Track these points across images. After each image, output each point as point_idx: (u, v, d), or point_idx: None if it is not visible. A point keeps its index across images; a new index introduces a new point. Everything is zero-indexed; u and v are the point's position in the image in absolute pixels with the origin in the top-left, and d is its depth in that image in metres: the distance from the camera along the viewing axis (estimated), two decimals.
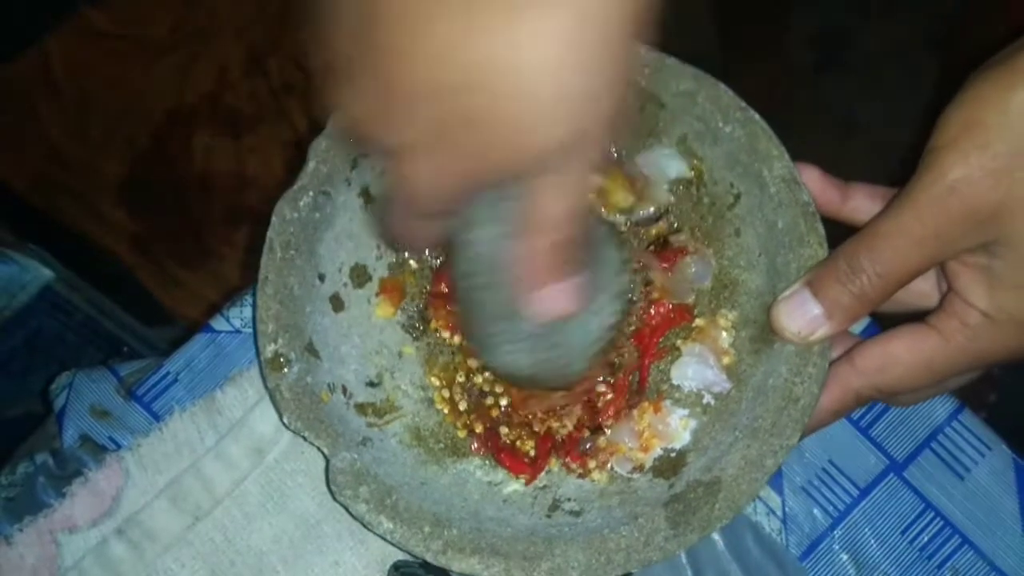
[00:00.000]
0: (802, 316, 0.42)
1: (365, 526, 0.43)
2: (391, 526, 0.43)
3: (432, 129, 0.30)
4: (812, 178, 0.46)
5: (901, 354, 0.41)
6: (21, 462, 0.54)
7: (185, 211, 1.29)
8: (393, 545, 0.43)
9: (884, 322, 0.43)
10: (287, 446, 0.52)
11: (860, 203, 0.45)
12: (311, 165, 0.47)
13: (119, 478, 0.51)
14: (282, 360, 0.45)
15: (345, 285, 0.49)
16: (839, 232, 0.44)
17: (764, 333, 0.46)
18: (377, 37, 0.30)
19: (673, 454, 0.47)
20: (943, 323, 0.40)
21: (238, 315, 0.56)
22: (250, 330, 0.56)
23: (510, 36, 0.28)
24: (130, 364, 0.57)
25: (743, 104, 0.47)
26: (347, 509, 0.43)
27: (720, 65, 0.47)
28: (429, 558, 0.42)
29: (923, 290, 0.45)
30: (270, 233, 0.46)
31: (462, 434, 0.49)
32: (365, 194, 0.49)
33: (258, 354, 0.45)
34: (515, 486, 0.48)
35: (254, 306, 0.46)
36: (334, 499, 0.44)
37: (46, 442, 0.55)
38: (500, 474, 0.49)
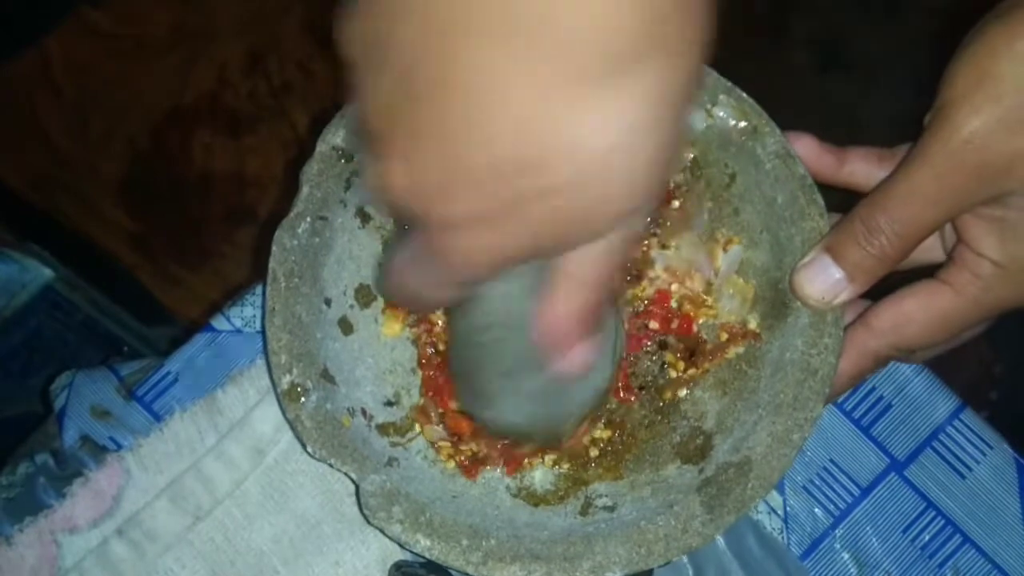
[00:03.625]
0: (824, 281, 0.42)
1: (402, 546, 0.43)
2: (428, 543, 0.43)
3: (498, 204, 0.29)
4: (807, 145, 0.46)
5: (915, 312, 0.41)
6: (21, 462, 0.54)
7: (185, 210, 1.28)
8: (432, 560, 0.43)
9: (889, 280, 0.43)
10: (288, 446, 0.52)
11: (857, 167, 0.45)
12: (305, 191, 0.46)
13: (120, 478, 0.51)
14: (299, 390, 0.44)
15: (351, 307, 0.49)
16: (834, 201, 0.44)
17: (775, 309, 0.46)
18: (436, 110, 0.28)
19: (700, 438, 0.47)
20: (954, 277, 0.40)
21: (239, 314, 0.56)
22: (251, 329, 0.56)
23: (584, 115, 0.27)
24: (130, 364, 0.57)
25: (729, 84, 0.47)
26: (383, 531, 0.43)
27: (720, 66, 0.48)
28: (471, 571, 0.42)
29: (927, 245, 0.45)
30: (272, 263, 0.45)
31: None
32: (361, 214, 0.49)
33: (274, 386, 0.45)
34: (544, 486, 0.48)
35: (264, 338, 0.46)
36: (368, 523, 0.43)
37: (46, 442, 0.55)
38: (527, 479, 0.49)
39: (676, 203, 0.50)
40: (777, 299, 0.46)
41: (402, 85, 0.28)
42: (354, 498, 0.51)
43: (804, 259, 0.43)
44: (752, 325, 0.48)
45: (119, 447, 0.53)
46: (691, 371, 0.49)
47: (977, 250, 0.40)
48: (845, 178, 0.46)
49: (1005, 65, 0.36)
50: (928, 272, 0.43)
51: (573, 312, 0.34)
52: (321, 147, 0.47)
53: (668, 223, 0.50)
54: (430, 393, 0.49)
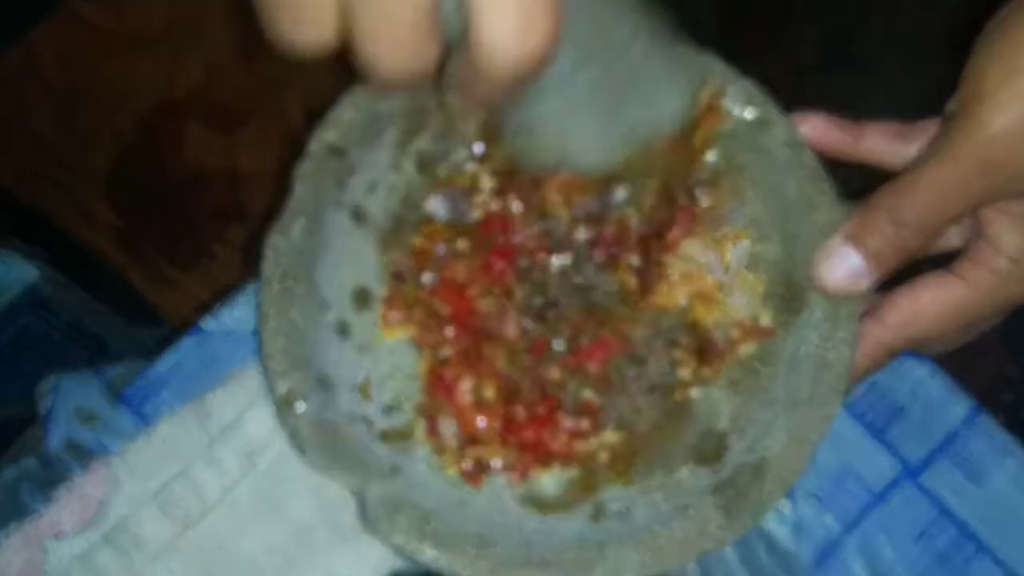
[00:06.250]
0: (845, 270, 0.42)
1: (408, 556, 0.42)
2: (435, 553, 0.41)
3: None
4: (817, 127, 0.46)
5: (929, 305, 0.42)
6: (6, 467, 0.53)
7: (175, 207, 1.28)
8: (439, 571, 0.42)
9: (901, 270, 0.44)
10: (280, 452, 0.51)
11: (875, 142, 0.45)
12: (298, 191, 0.45)
13: (106, 483, 0.51)
14: (296, 397, 0.43)
15: (349, 310, 0.48)
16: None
17: (788, 303, 0.46)
18: None
19: (713, 439, 0.47)
20: (969, 271, 0.41)
21: (229, 315, 0.55)
22: (242, 330, 0.55)
23: None
24: (118, 366, 0.56)
25: (736, 74, 0.46)
26: (386, 542, 0.42)
27: (723, 64, 0.47)
28: None
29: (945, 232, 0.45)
30: (265, 266, 0.44)
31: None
32: (356, 214, 0.48)
33: (271, 393, 0.44)
34: (552, 492, 0.47)
35: (260, 341, 0.45)
36: (372, 533, 0.42)
37: (31, 446, 0.54)
38: (535, 485, 0.47)
39: (705, 201, 0.49)
40: (789, 293, 0.46)
41: None
42: (349, 505, 0.50)
43: (824, 248, 0.43)
44: (764, 321, 0.47)
45: (106, 451, 0.53)
46: (702, 370, 0.48)
47: (996, 246, 0.40)
48: (864, 154, 0.46)
49: None
50: (941, 259, 0.43)
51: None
52: (314, 145, 0.46)
53: (698, 221, 0.49)
54: (438, 390, 0.48)
